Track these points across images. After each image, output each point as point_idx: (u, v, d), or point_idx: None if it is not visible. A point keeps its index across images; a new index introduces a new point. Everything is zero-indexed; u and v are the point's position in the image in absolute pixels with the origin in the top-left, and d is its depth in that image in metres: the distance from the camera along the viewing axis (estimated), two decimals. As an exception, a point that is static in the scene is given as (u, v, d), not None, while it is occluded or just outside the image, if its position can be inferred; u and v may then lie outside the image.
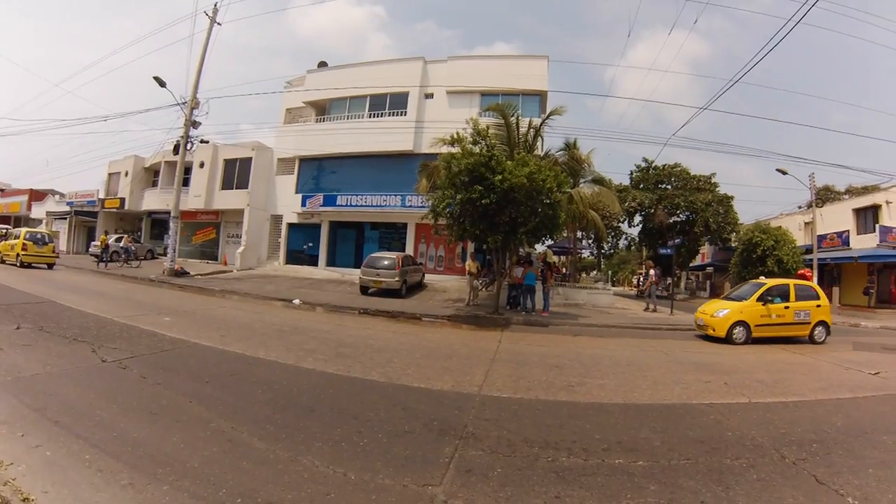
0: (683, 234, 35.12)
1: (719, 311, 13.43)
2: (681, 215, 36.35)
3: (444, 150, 16.69)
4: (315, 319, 13.78)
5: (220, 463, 4.13)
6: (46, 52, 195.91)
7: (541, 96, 26.20)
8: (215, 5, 24.42)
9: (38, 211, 49.86)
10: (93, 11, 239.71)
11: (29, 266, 23.38)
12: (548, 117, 18.95)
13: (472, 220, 14.95)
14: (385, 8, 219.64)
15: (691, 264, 42.48)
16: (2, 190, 59.84)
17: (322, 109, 31.17)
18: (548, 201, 14.97)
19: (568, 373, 8.08)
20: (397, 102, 28.01)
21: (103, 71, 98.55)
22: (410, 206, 24.91)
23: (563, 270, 28.72)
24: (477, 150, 15.54)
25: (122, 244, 28.96)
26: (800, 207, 37.70)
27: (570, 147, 22.43)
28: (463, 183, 14.57)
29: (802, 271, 19.90)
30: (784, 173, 27.06)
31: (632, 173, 39.16)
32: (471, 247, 22.31)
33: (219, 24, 24.59)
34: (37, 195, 51.81)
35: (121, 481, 3.75)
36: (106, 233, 30.95)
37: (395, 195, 25.95)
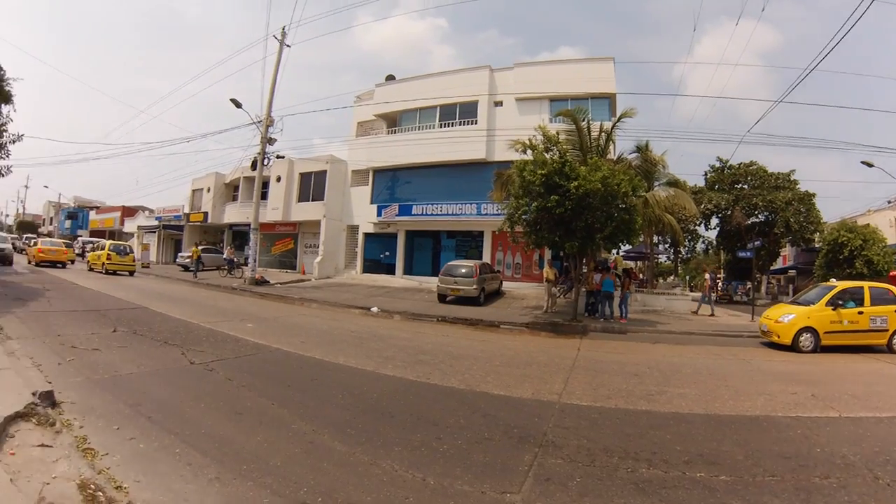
0: (763, 235, 32.97)
1: (784, 317, 12.59)
2: (759, 216, 34.08)
3: (518, 156, 16.59)
4: (393, 327, 13.98)
5: (302, 463, 4.24)
6: (133, 83, 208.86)
7: (609, 99, 25.58)
8: (283, 29, 25.51)
9: (130, 225, 54.01)
10: (171, 43, 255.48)
11: (113, 273, 26.70)
12: (618, 120, 18.47)
13: (549, 227, 14.88)
14: (447, 20, 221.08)
15: (772, 268, 39.84)
16: (98, 207, 64.96)
17: (393, 121, 31.59)
18: (623, 206, 14.66)
19: (647, 381, 7.91)
20: (467, 112, 28.01)
21: (184, 97, 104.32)
22: (486, 214, 24.88)
23: (640, 276, 27.98)
24: (549, 157, 15.41)
25: (225, 255, 29.96)
26: (889, 202, 34.86)
27: (642, 149, 21.91)
28: (537, 191, 14.53)
29: (895, 273, 18.49)
30: (870, 165, 25.20)
31: (706, 174, 37.15)
32: (548, 254, 22.15)
33: (288, 45, 25.65)
34: (128, 211, 56.56)
35: (208, 475, 3.93)
36: (197, 244, 32.60)
37: (471, 203, 25.89)
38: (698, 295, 21.45)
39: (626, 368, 9.00)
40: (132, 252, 30.54)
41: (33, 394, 5.16)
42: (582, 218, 14.27)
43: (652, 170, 21.48)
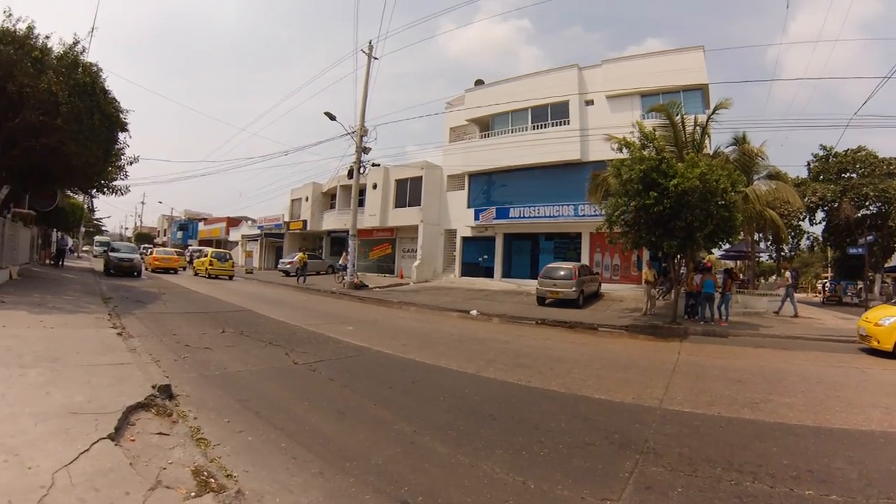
0: (875, 229, 29.55)
1: (885, 319, 11.02)
2: (871, 207, 30.80)
3: (614, 155, 16.38)
4: (492, 330, 14.12)
5: (403, 463, 4.35)
6: (232, 105, 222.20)
7: (702, 91, 24.59)
8: (370, 42, 26.62)
9: (234, 234, 57.90)
10: (266, 65, 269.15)
11: (215, 277, 30.84)
12: (713, 112, 17.66)
13: (647, 226, 14.65)
14: (530, 20, 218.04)
15: (886, 265, 35.89)
16: (205, 219, 70.10)
17: (485, 125, 31.80)
18: (722, 202, 14.13)
19: (751, 388, 7.59)
20: (559, 112, 27.76)
21: (280, 113, 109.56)
22: (583, 216, 24.58)
23: (741, 276, 26.65)
24: (646, 154, 15.13)
25: (339, 262, 30.74)
26: None
27: (739, 142, 21.02)
28: (636, 190, 14.32)
29: None
30: None
31: (809, 164, 34.24)
32: (646, 254, 21.63)
33: (376, 58, 26.75)
34: (233, 222, 60.64)
35: (312, 469, 4.12)
36: (303, 251, 34.23)
37: (568, 205, 25.68)
38: (804, 295, 20.18)
39: (728, 374, 8.70)
40: (231, 259, 34.33)
41: (153, 387, 5.64)
42: (681, 216, 13.93)
43: (750, 163, 20.30)
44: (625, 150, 15.59)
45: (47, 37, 14.61)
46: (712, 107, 18.34)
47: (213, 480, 3.64)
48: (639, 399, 6.79)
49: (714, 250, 21.19)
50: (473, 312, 17.11)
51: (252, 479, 3.83)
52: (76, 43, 15.17)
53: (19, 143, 14.37)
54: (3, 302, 11.62)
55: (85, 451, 3.77)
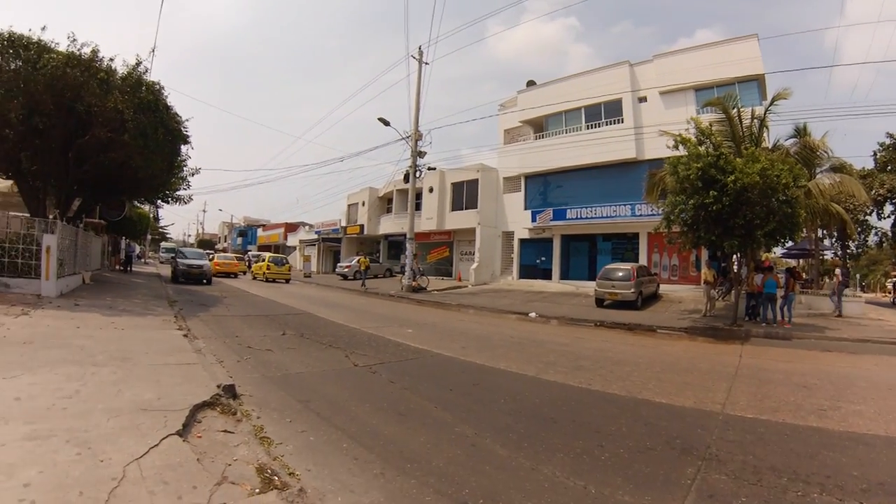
0: None
1: None
2: None
3: (670, 152, 16.08)
4: (551, 332, 14.14)
5: (464, 465, 4.37)
6: (288, 114, 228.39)
7: (758, 81, 23.67)
8: (419, 48, 27.17)
9: (292, 240, 59.81)
10: (315, 75, 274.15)
11: (272, 281, 31.98)
12: (771, 103, 17.04)
13: (706, 225, 14.35)
14: (578, 18, 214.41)
15: None
16: (264, 225, 72.57)
17: (539, 126, 31.68)
18: (784, 198, 13.74)
19: (817, 394, 7.33)
20: (612, 110, 27.42)
21: (333, 121, 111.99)
22: (641, 216, 24.29)
23: (804, 276, 25.61)
24: (703, 150, 14.84)
25: (403, 264, 30.20)
26: None
27: (800, 133, 20.10)
28: (693, 188, 14.08)
29: None
30: None
31: (875, 153, 32.08)
32: (705, 254, 21.14)
33: (426, 63, 27.13)
34: (290, 227, 62.75)
35: (373, 470, 4.19)
36: (365, 255, 34.69)
37: (625, 205, 25.39)
38: (872, 295, 19.31)
39: (792, 378, 8.46)
40: (287, 263, 35.48)
41: (218, 386, 5.85)
42: (740, 214, 13.65)
43: (811, 156, 19.43)
44: (681, 148, 15.32)
45: (111, 59, 15.51)
46: (770, 98, 17.83)
47: (276, 478, 3.76)
48: (700, 403, 6.68)
49: (775, 249, 20.46)
50: (532, 315, 17.14)
51: (314, 478, 3.95)
52: (139, 63, 16.15)
53: (90, 158, 15.29)
54: (77, 305, 12.47)
55: (154, 445, 3.99)
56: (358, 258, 33.52)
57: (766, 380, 8.38)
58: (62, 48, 14.54)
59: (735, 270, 16.61)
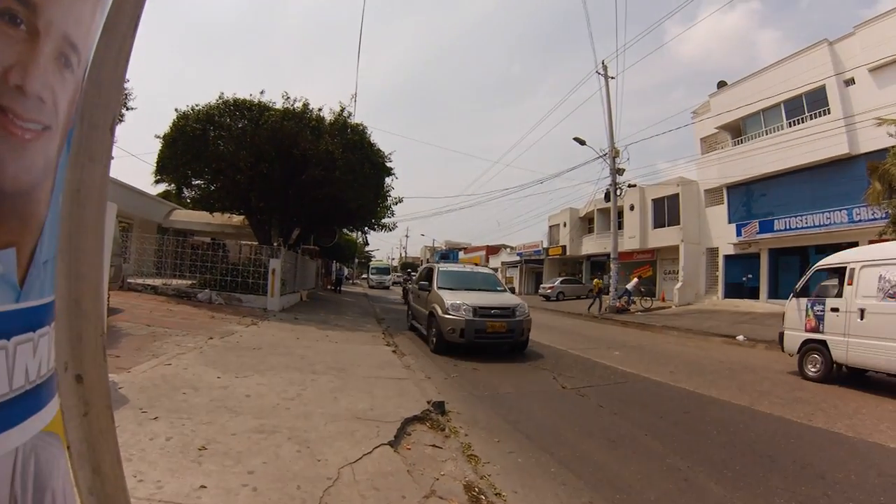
0: None
1: None
2: None
3: (894, 142, 14.03)
4: (762, 357, 13.16)
5: (677, 501, 4.19)
6: (481, 141, 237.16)
7: None
8: (603, 63, 26.59)
9: (494, 262, 61.37)
10: (504, 102, 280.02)
11: None
12: None
13: None
14: (759, 0, 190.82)
15: None
16: (465, 248, 76.29)
17: (736, 130, 29.05)
18: None
19: None
20: (815, 101, 23.84)
21: (528, 144, 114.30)
22: (859, 221, 20.92)
23: None
24: None
25: (630, 286, 28.40)
26: None
27: None
28: None
29: None
30: None
31: None
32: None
33: (612, 77, 26.43)
34: (492, 249, 64.87)
35: (582, 497, 4.10)
36: (597, 277, 33.89)
37: (840, 210, 22.10)
38: None
39: None
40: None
41: (428, 402, 6.06)
42: None
43: None
44: None
45: (320, 109, 17.97)
46: None
47: (483, 497, 3.80)
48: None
49: None
50: (740, 338, 15.94)
51: (520, 501, 3.97)
52: (342, 109, 18.48)
53: (306, 194, 17.93)
54: (296, 318, 14.39)
55: (367, 453, 4.23)
56: (594, 282, 31.33)
57: None
58: (278, 105, 17.44)
59: None
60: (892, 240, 13.62)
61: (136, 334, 8.70)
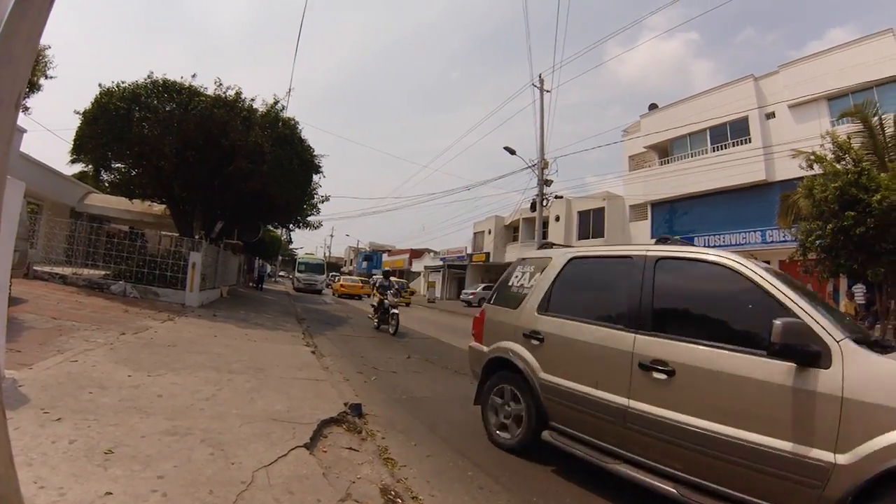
0: None
1: None
2: None
3: (804, 172, 14.97)
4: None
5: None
6: (412, 146, 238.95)
7: None
8: (540, 76, 26.99)
9: (417, 266, 62.35)
10: (437, 108, 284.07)
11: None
12: None
13: (847, 251, 12.96)
14: (698, 32, 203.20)
15: None
16: (389, 251, 76.20)
17: (664, 151, 30.84)
18: (944, 217, 12.18)
19: None
20: (738, 130, 26.00)
21: (458, 151, 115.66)
22: (772, 242, 22.67)
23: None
24: (840, 167, 13.63)
25: None
26: None
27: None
28: (831, 210, 12.92)
29: None
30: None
31: None
32: (844, 284, 19.38)
33: (548, 91, 26.91)
34: (415, 253, 65.07)
35: (499, 500, 4.16)
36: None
37: (754, 231, 23.93)
38: None
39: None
40: (408, 288, 38.10)
41: (345, 404, 6.00)
42: (888, 237, 12.25)
43: None
44: (815, 167, 14.23)
45: (252, 99, 17.44)
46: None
47: (399, 501, 3.80)
48: None
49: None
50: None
51: None
52: (276, 102, 18.07)
53: (232, 186, 17.21)
54: (215, 315, 13.88)
55: (283, 455, 4.14)
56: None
57: None
58: (210, 91, 16.63)
59: (882, 302, 14.86)
60: (800, 261, 14.76)
61: (41, 327, 8.05)
